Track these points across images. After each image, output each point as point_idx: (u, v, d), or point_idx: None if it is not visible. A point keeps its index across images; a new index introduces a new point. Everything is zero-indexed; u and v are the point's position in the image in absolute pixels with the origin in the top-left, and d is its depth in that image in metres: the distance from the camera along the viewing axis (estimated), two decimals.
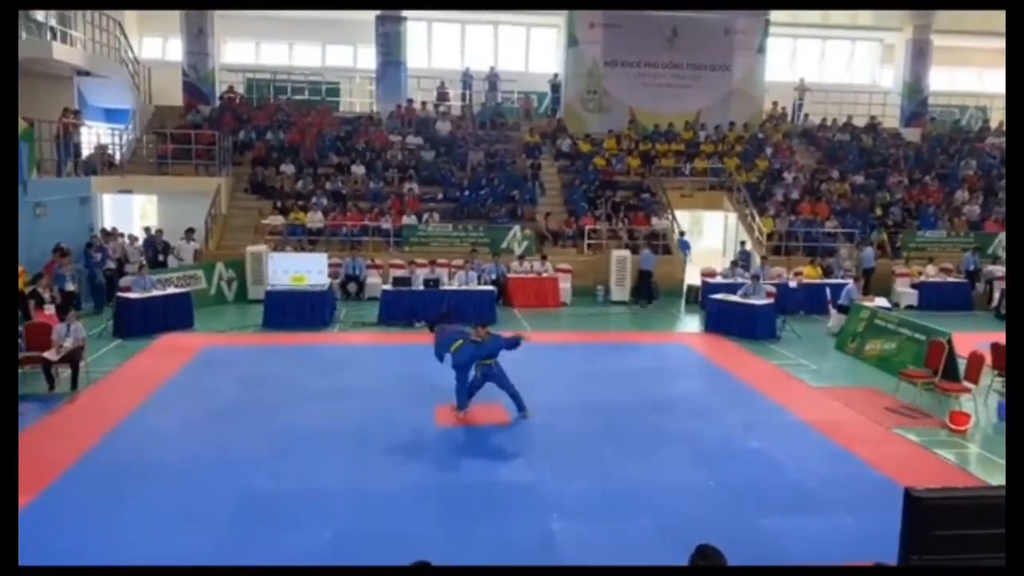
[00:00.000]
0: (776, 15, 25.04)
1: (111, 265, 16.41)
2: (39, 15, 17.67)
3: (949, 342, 11.24)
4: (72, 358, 10.81)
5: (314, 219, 19.12)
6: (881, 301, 15.89)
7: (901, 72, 26.95)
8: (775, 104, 26.33)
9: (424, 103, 24.65)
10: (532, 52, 27.15)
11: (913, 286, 18.61)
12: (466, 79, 25.36)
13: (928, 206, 21.97)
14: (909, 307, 17.89)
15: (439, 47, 26.91)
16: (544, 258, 18.45)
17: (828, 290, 16.90)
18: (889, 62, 28.34)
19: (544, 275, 18.05)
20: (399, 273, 16.69)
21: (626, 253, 18.45)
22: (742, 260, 19.27)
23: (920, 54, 26.45)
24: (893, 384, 11.51)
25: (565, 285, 18.20)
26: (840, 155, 24.54)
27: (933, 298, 18.10)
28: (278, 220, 18.99)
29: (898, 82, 27.23)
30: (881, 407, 10.71)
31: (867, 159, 24.48)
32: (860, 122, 26.40)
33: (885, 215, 21.51)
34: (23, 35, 17.08)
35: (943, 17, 25.33)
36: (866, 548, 6.50)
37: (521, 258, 18.49)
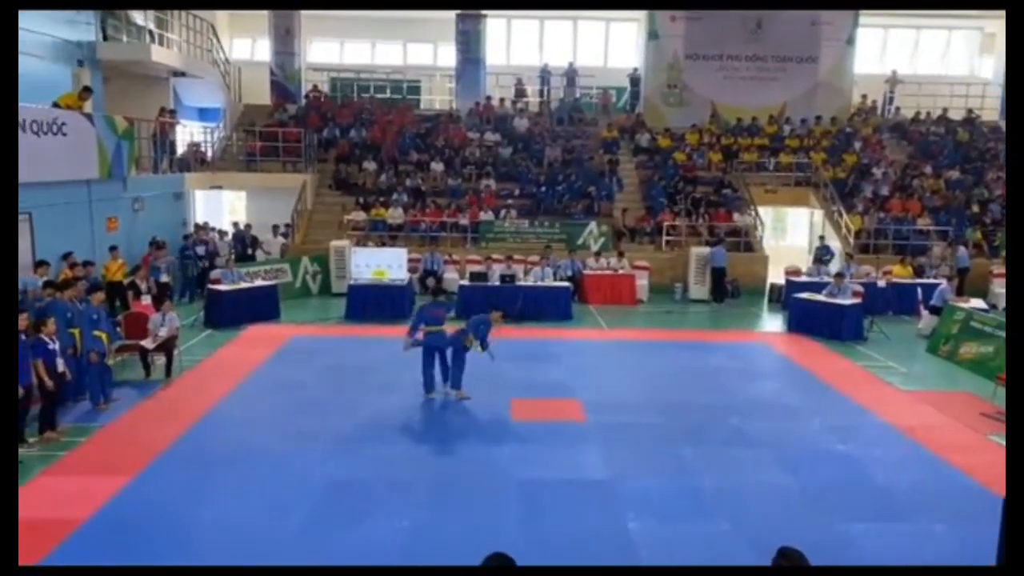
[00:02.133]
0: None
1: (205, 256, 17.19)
2: (139, 19, 18.56)
3: None
4: (167, 346, 11.34)
5: (394, 215, 19.47)
6: (977, 302, 15.15)
7: (1002, 62, 25.56)
8: (864, 97, 25.39)
9: (502, 100, 24.76)
10: (611, 46, 26.92)
11: None
12: (544, 75, 25.35)
13: None
14: None
15: (518, 44, 26.96)
16: (621, 255, 18.29)
17: (919, 290, 16.21)
18: (989, 51, 26.92)
19: (620, 272, 17.90)
20: (476, 268, 16.84)
21: (706, 250, 18.10)
22: (823, 254, 18.69)
23: None
24: (990, 389, 10.96)
25: (642, 282, 18.00)
26: (934, 150, 23.47)
27: None
28: (360, 216, 19.42)
29: (999, 72, 25.81)
30: (976, 412, 10.23)
31: (963, 154, 23.34)
32: (956, 115, 25.17)
33: (983, 212, 20.48)
34: (124, 39, 17.99)
35: None
36: (957, 558, 6.25)
37: (597, 254, 18.38)
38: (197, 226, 18.52)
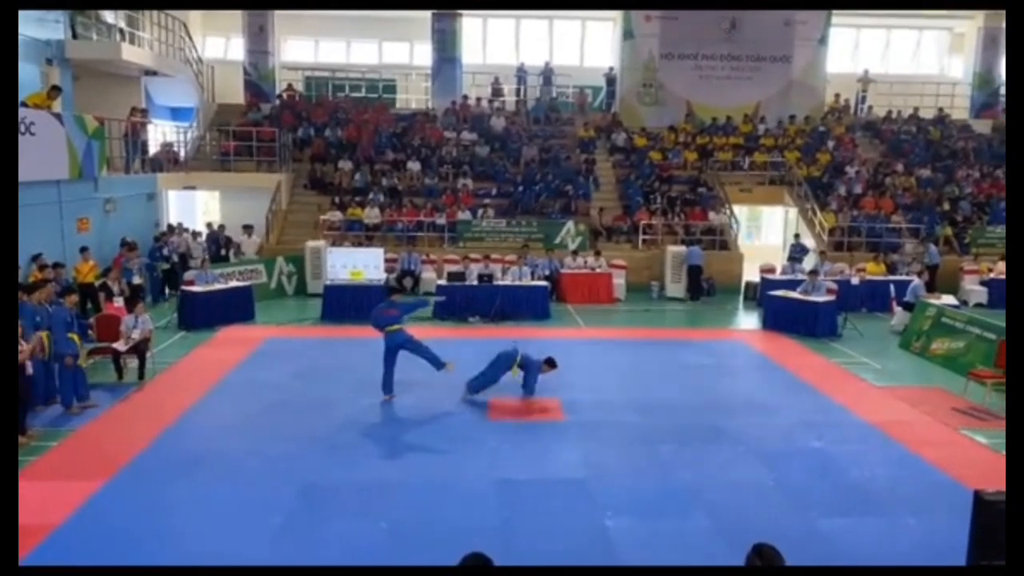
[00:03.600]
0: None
1: (175, 259, 16.99)
2: (109, 17, 18.29)
3: None
4: (139, 349, 11.18)
5: (371, 215, 19.36)
6: (948, 298, 15.38)
7: (972, 61, 25.98)
8: (837, 96, 25.67)
9: (479, 99, 24.73)
10: (587, 46, 26.99)
11: (983, 283, 17.94)
12: (521, 74, 25.35)
13: (999, 200, 21.13)
14: (978, 305, 17.27)
15: (494, 43, 26.93)
16: (598, 253, 18.34)
17: (892, 287, 16.42)
18: (959, 51, 27.33)
19: (598, 270, 17.94)
20: (453, 268, 16.79)
21: (682, 249, 18.20)
22: (796, 253, 18.87)
23: (992, 42, 25.44)
24: (961, 384, 11.14)
25: (619, 281, 18.05)
26: (905, 148, 23.78)
27: (1004, 296, 17.36)
28: (336, 216, 19.30)
29: (968, 72, 26.25)
30: (948, 408, 10.38)
31: (934, 152, 23.68)
32: (927, 114, 25.53)
33: (953, 210, 20.78)
34: (94, 37, 17.73)
35: None
36: (931, 552, 6.32)
37: (575, 253, 18.41)
38: (170, 227, 18.30)
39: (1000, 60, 25.50)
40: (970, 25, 26.14)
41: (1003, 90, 26.13)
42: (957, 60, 27.42)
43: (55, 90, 14.35)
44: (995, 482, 7.06)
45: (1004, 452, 8.77)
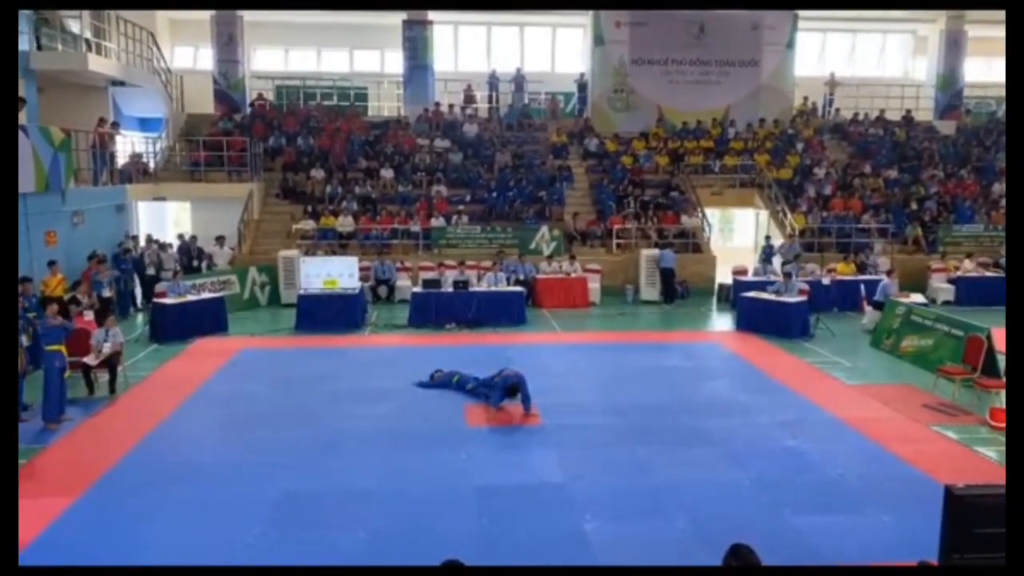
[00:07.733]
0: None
1: (152, 271, 16.85)
2: (74, 27, 18.05)
3: (988, 337, 11.01)
4: (111, 362, 11.03)
5: (344, 223, 19.27)
6: (916, 297, 15.63)
7: (935, 64, 26.45)
8: (805, 99, 26.00)
9: (451, 106, 24.73)
10: (558, 52, 27.08)
11: (950, 281, 18.25)
12: (493, 81, 25.38)
13: (964, 200, 21.55)
14: (946, 303, 17.56)
15: (465, 50, 26.93)
16: (573, 258, 18.40)
17: (863, 286, 16.64)
18: (922, 54, 27.81)
19: (573, 275, 18.00)
20: (429, 275, 16.75)
21: (655, 252, 18.31)
22: (765, 254, 19.07)
23: (954, 45, 25.95)
24: (930, 381, 11.31)
25: (594, 285, 18.12)
26: (872, 149, 24.15)
27: (971, 293, 17.66)
28: (309, 224, 19.17)
29: (932, 74, 26.72)
30: (918, 404, 10.53)
31: (900, 153, 24.08)
32: (893, 116, 25.95)
33: (920, 209, 21.15)
34: (59, 47, 17.48)
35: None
36: (904, 547, 6.41)
37: (550, 258, 18.46)
38: (136, 237, 18.08)
39: (961, 63, 26.04)
40: (932, 28, 26.61)
41: (965, 92, 26.70)
42: (921, 62, 27.90)
43: (20, 102, 14.12)
44: (965, 477, 7.18)
45: (973, 447, 8.96)
